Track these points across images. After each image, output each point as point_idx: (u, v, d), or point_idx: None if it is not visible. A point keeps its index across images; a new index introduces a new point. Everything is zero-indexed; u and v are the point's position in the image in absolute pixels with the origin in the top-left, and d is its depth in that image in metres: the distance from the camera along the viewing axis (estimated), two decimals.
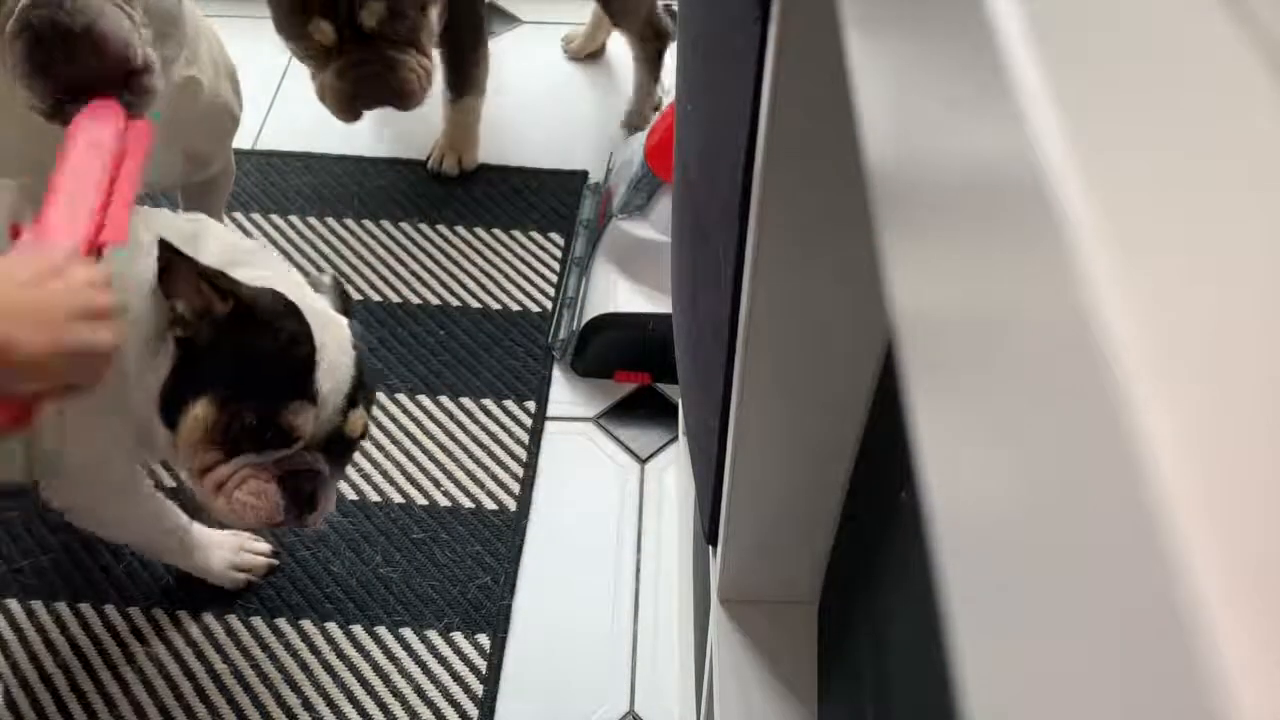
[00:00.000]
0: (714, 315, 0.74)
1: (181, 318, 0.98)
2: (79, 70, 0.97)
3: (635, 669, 1.27)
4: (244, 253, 1.07)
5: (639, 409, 1.51)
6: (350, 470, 1.40)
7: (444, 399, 1.49)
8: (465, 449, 1.44)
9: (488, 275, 1.64)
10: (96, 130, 0.95)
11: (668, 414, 1.50)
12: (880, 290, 0.32)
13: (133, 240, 0.96)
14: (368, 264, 1.64)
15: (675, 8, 1.74)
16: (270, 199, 1.73)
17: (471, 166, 1.75)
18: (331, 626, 1.27)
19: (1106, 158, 0.18)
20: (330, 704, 1.21)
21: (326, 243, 1.67)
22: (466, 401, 1.48)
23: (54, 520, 1.33)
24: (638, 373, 1.52)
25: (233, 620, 1.27)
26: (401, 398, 1.48)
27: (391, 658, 1.25)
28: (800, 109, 0.54)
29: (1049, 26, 0.20)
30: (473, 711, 1.21)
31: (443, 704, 1.22)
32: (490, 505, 1.38)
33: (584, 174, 1.78)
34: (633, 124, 1.81)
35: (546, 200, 1.74)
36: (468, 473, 1.41)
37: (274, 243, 1.67)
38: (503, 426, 1.46)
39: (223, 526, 1.24)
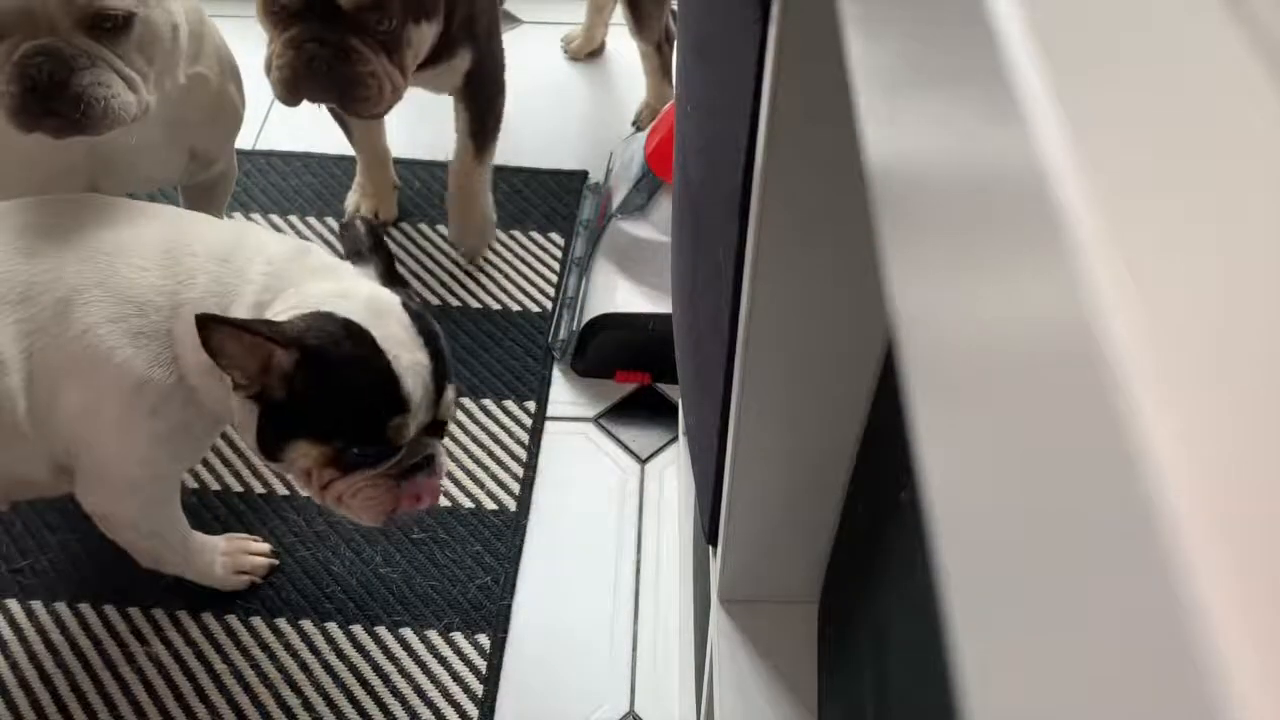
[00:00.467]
0: (714, 315, 0.74)
1: (237, 384, 0.97)
2: (62, 122, 1.03)
3: (635, 669, 1.27)
4: (282, 269, 1.04)
5: (639, 409, 1.51)
6: None
7: None
8: (465, 449, 1.44)
9: (488, 275, 1.64)
10: None
11: (668, 414, 1.50)
12: (880, 290, 0.32)
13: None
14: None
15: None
16: (270, 199, 1.73)
17: (491, 240, 1.65)
18: (331, 626, 1.27)
19: (1107, 158, 0.18)
20: (330, 704, 1.21)
21: (327, 243, 1.67)
22: (466, 401, 1.48)
23: (54, 520, 1.33)
24: (638, 373, 1.52)
25: (233, 620, 1.27)
26: None
27: (391, 658, 1.25)
28: (800, 109, 0.54)
29: (1050, 28, 0.20)
30: (473, 711, 1.21)
31: (443, 704, 1.22)
32: (490, 505, 1.38)
33: (584, 174, 1.78)
34: (645, 123, 1.81)
35: (546, 200, 1.74)
36: (468, 473, 1.41)
37: None
38: (503, 426, 1.46)
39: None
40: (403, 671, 1.24)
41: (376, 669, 1.24)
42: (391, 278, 1.10)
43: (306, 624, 1.27)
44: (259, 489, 1.39)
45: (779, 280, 0.63)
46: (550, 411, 1.50)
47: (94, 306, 0.99)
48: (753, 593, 0.86)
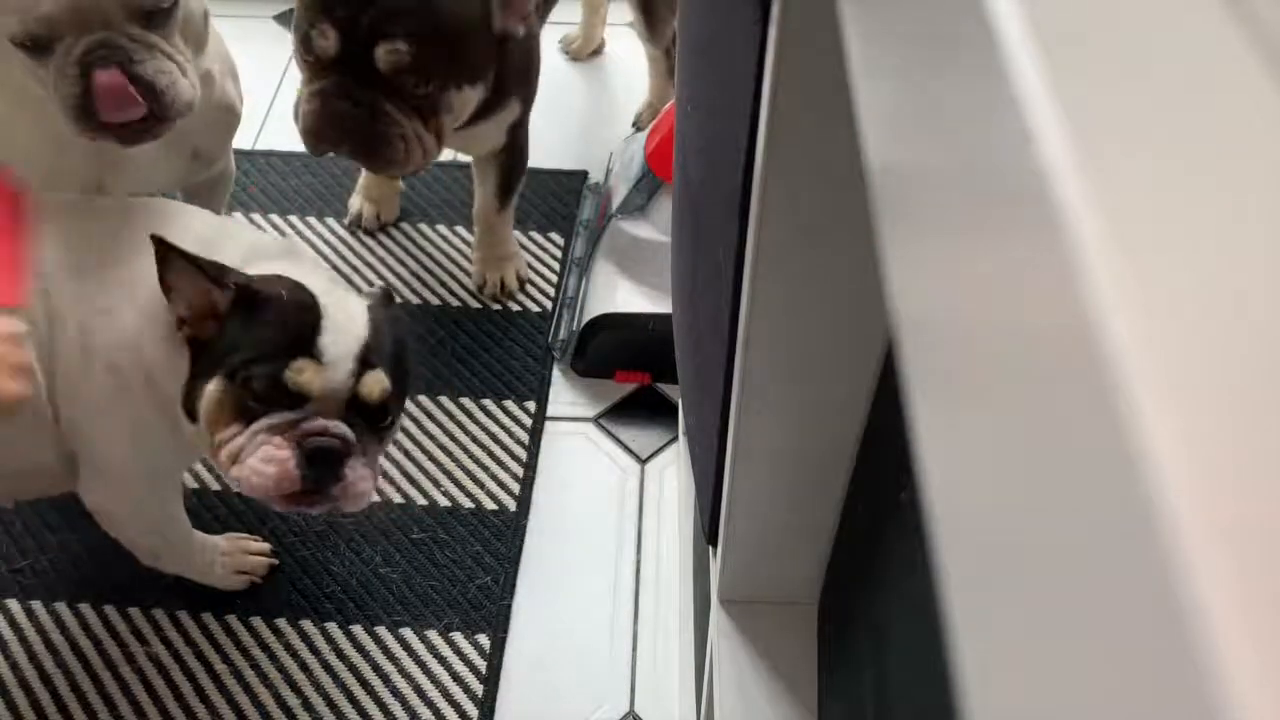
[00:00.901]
0: (714, 315, 0.74)
1: (184, 319, 0.98)
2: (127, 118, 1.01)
3: (635, 669, 1.27)
4: (264, 250, 1.06)
5: (639, 409, 1.51)
6: None
7: (444, 399, 1.49)
8: (465, 449, 1.44)
9: None
10: None
11: (668, 414, 1.50)
12: (880, 290, 0.32)
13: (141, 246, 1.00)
14: (368, 264, 1.64)
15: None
16: (270, 199, 1.73)
17: (514, 286, 1.61)
18: (331, 626, 1.27)
19: (1107, 158, 0.18)
20: (330, 704, 1.21)
21: (326, 243, 1.67)
22: (466, 401, 1.48)
23: (54, 520, 1.34)
24: (638, 373, 1.52)
25: (232, 620, 1.27)
26: None
27: (391, 658, 1.25)
28: (800, 109, 0.54)
29: (1049, 28, 0.20)
30: (473, 711, 1.21)
31: (443, 704, 1.22)
32: (490, 505, 1.38)
33: (584, 174, 1.78)
34: (645, 123, 1.81)
35: (546, 200, 1.74)
36: (468, 473, 1.41)
37: None
38: (503, 426, 1.46)
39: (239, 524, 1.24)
40: (403, 671, 1.24)
41: (376, 669, 1.24)
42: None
43: (306, 624, 1.27)
44: None
45: (779, 280, 0.63)
46: (550, 411, 1.50)
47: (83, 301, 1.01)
48: (753, 593, 0.86)
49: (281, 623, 1.27)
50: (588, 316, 1.49)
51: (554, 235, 1.69)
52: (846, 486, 0.77)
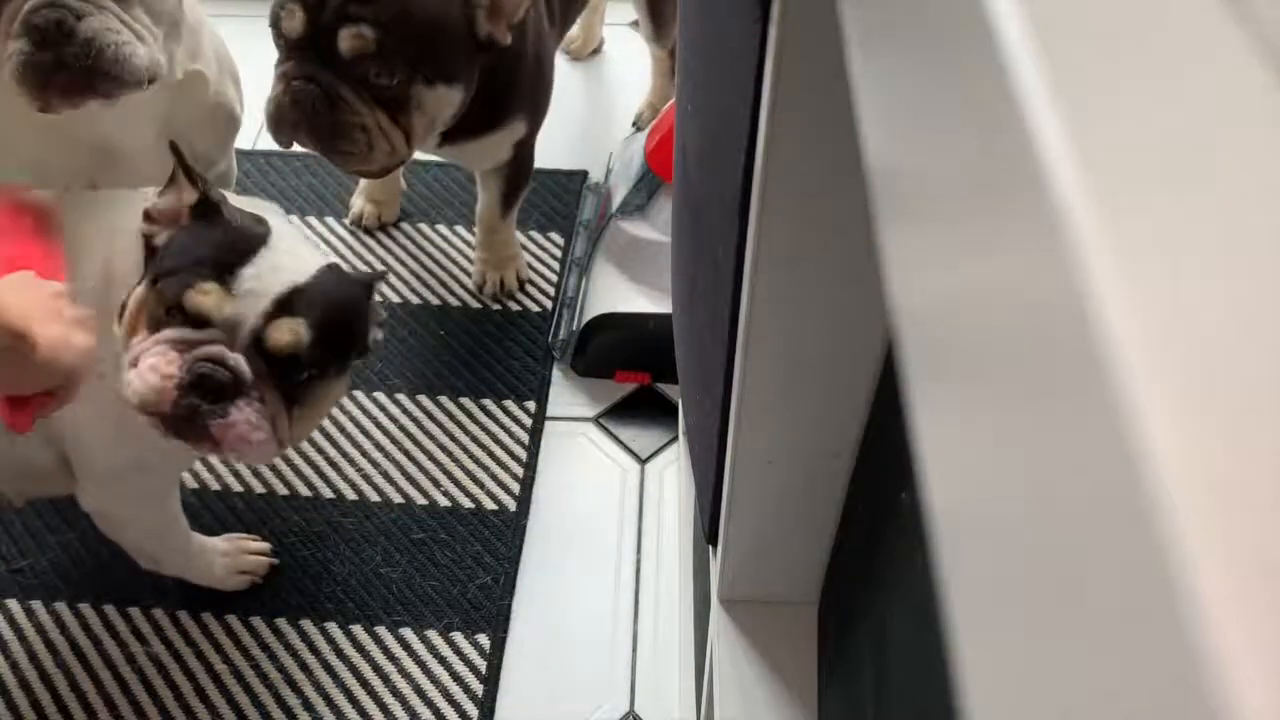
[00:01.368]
0: (714, 315, 0.74)
1: (150, 214, 0.98)
2: (74, 78, 0.99)
3: (635, 669, 1.27)
4: (247, 206, 1.05)
5: (639, 409, 1.51)
6: (350, 470, 1.40)
7: (444, 399, 1.49)
8: (465, 449, 1.44)
9: None
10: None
11: (668, 414, 1.50)
12: (880, 290, 0.32)
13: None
14: (368, 264, 1.64)
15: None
16: (271, 199, 1.73)
17: (514, 286, 1.61)
18: (331, 626, 1.27)
19: (1107, 158, 0.18)
20: (330, 704, 1.21)
21: (326, 243, 1.67)
22: (466, 401, 1.48)
23: (54, 520, 1.34)
24: (638, 373, 1.52)
25: (232, 620, 1.27)
26: (401, 398, 1.48)
27: (391, 658, 1.25)
28: (800, 109, 0.54)
29: (1049, 26, 0.20)
30: (473, 711, 1.21)
31: (443, 704, 1.22)
32: (490, 505, 1.38)
33: (584, 174, 1.78)
34: (645, 123, 1.81)
35: (546, 200, 1.74)
36: (468, 473, 1.41)
37: None
38: (503, 426, 1.46)
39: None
40: (403, 671, 1.24)
41: (376, 669, 1.24)
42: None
43: (306, 624, 1.27)
44: (259, 489, 1.39)
45: (779, 280, 0.63)
46: (550, 411, 1.50)
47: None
48: (753, 593, 0.86)
49: (281, 623, 1.27)
50: (588, 316, 1.49)
51: (554, 235, 1.69)
52: (846, 486, 0.77)
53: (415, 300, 1.60)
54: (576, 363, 1.52)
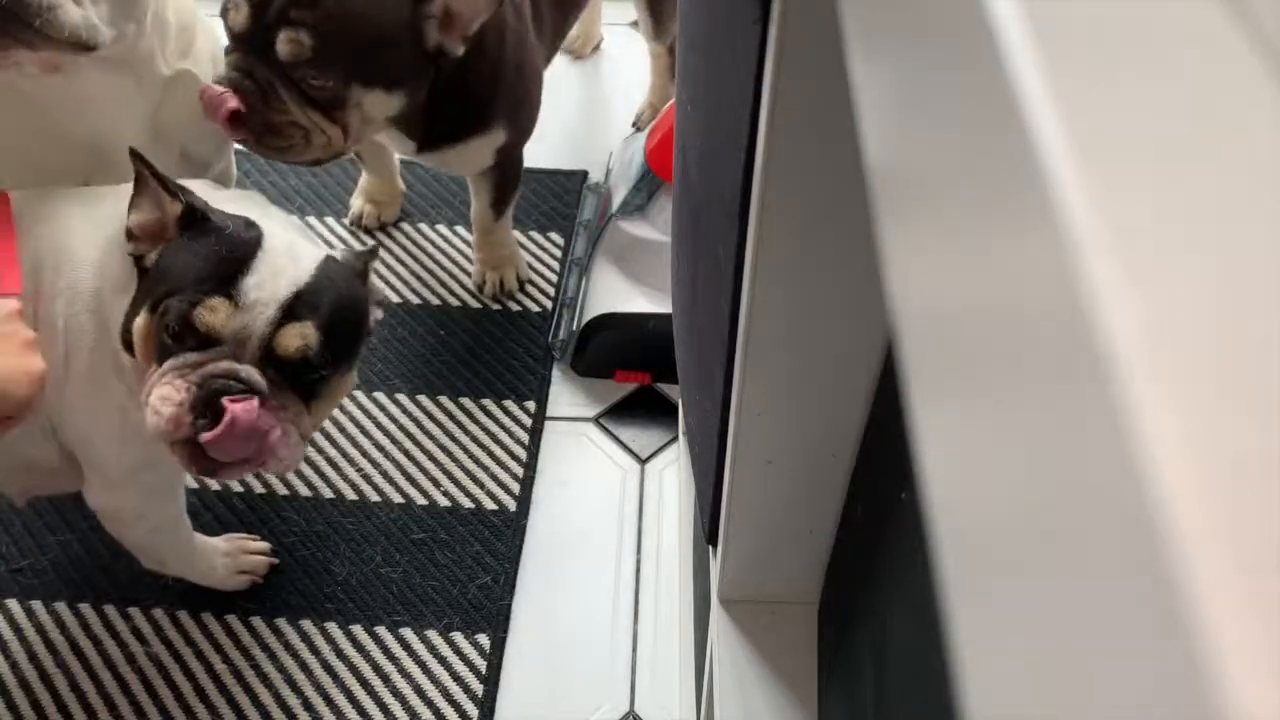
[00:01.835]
0: (714, 315, 0.74)
1: (132, 232, 0.96)
2: None
3: (635, 669, 1.27)
4: (229, 198, 1.04)
5: (639, 409, 1.51)
6: (350, 470, 1.40)
7: (444, 399, 1.49)
8: (465, 449, 1.44)
9: None
10: None
11: (668, 414, 1.50)
12: (880, 290, 0.32)
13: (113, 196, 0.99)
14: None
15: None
16: (270, 199, 1.73)
17: (514, 285, 1.62)
18: (331, 626, 1.27)
19: (1106, 157, 0.18)
20: (330, 704, 1.21)
21: (327, 243, 1.67)
22: (466, 401, 1.48)
23: (54, 520, 1.34)
24: (638, 373, 1.52)
25: (233, 620, 1.27)
26: (401, 398, 1.48)
27: (391, 658, 1.25)
28: (800, 109, 0.54)
29: (1049, 27, 0.20)
30: (473, 711, 1.21)
31: (443, 704, 1.22)
32: (490, 505, 1.38)
33: (584, 174, 1.78)
34: (645, 123, 1.81)
35: (546, 200, 1.74)
36: (468, 473, 1.41)
37: None
38: (503, 426, 1.46)
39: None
40: (403, 671, 1.24)
41: (376, 669, 1.24)
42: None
43: (306, 624, 1.27)
44: (259, 489, 1.39)
45: (779, 280, 0.63)
46: (550, 411, 1.50)
47: (64, 298, 1.00)
48: (753, 593, 0.86)
49: (281, 623, 1.27)
50: (588, 316, 1.49)
51: (554, 235, 1.69)
52: (846, 486, 0.77)
53: (415, 300, 1.60)
54: (576, 363, 1.52)
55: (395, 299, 1.60)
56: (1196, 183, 0.17)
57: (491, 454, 1.43)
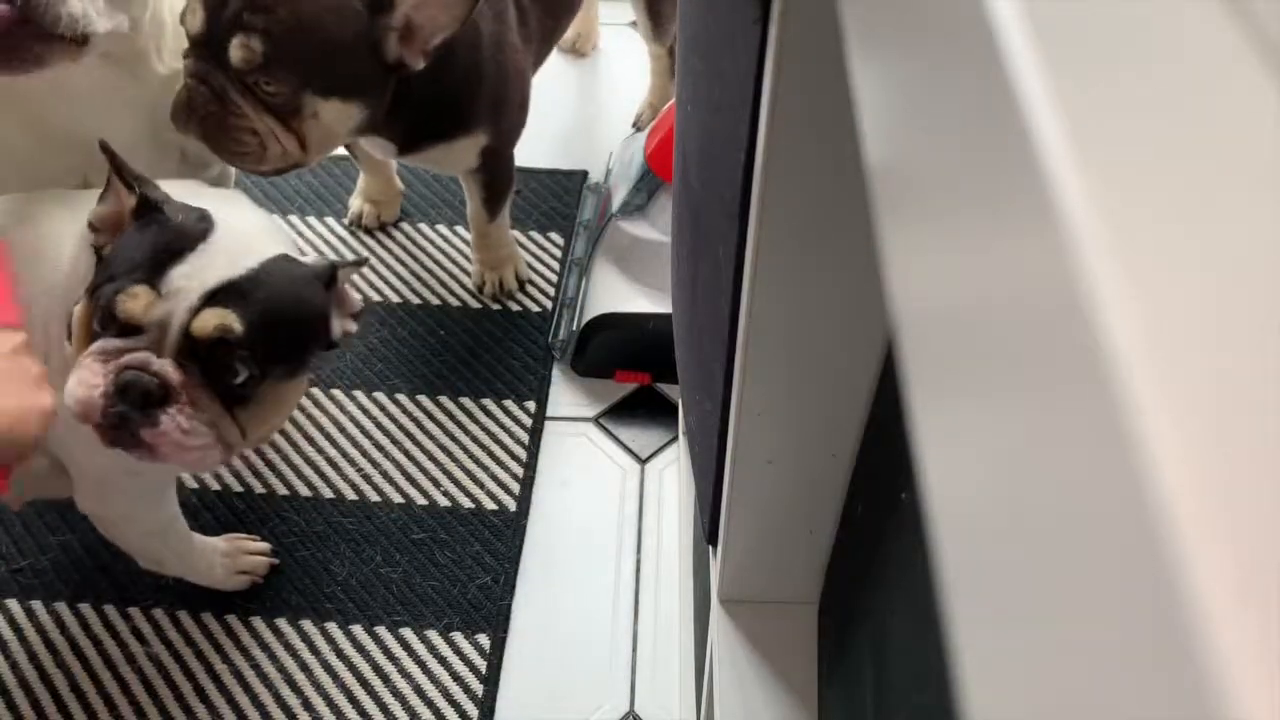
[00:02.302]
0: (714, 315, 0.74)
1: (94, 224, 0.95)
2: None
3: (635, 669, 1.27)
4: (206, 195, 1.02)
5: (639, 409, 1.51)
6: (350, 470, 1.40)
7: (444, 399, 1.49)
8: (465, 449, 1.44)
9: None
10: None
11: (668, 414, 1.50)
12: (880, 290, 0.32)
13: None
14: (368, 264, 1.64)
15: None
16: (270, 199, 1.73)
17: (513, 285, 1.62)
18: (331, 626, 1.27)
19: (1106, 156, 0.18)
20: (330, 704, 1.21)
21: (326, 243, 1.68)
22: (466, 401, 1.48)
23: (54, 520, 1.34)
24: (638, 373, 1.52)
25: (233, 620, 1.27)
26: (401, 398, 1.48)
27: (391, 658, 1.25)
28: (800, 109, 0.54)
29: (1049, 26, 0.20)
30: (473, 711, 1.21)
31: (443, 704, 1.22)
32: (490, 505, 1.38)
33: (584, 174, 1.78)
34: (645, 123, 1.81)
35: (546, 200, 1.74)
36: (468, 473, 1.41)
37: None
38: (503, 426, 1.46)
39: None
40: (403, 671, 1.24)
41: (376, 669, 1.24)
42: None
43: (306, 624, 1.27)
44: (259, 489, 1.39)
45: (779, 280, 0.63)
46: (550, 411, 1.50)
47: (45, 299, 0.99)
48: (753, 593, 0.86)
49: (281, 623, 1.27)
50: (588, 316, 1.49)
51: (554, 235, 1.69)
52: (846, 486, 0.77)
53: (415, 300, 1.60)
54: (576, 363, 1.52)
55: (395, 299, 1.60)
56: (1197, 182, 0.17)
57: (491, 454, 1.43)
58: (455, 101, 1.32)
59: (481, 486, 1.40)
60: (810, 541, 0.81)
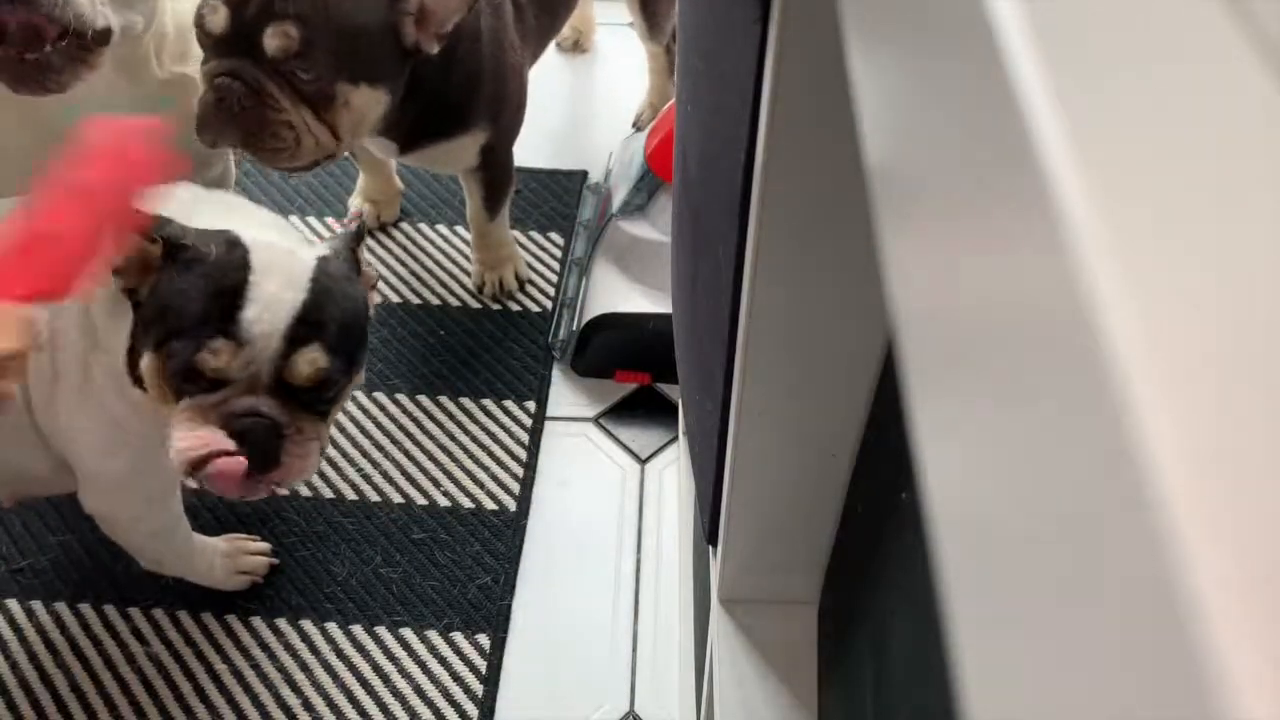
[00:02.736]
0: (714, 315, 0.74)
1: (119, 269, 0.94)
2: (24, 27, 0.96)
3: (635, 669, 1.27)
4: (205, 202, 1.02)
5: (639, 409, 1.51)
6: (350, 470, 1.40)
7: (444, 399, 1.49)
8: (465, 449, 1.44)
9: None
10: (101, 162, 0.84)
11: (668, 414, 1.50)
12: (880, 290, 0.32)
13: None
14: (367, 264, 1.64)
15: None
16: (270, 199, 1.73)
17: (513, 285, 1.62)
18: (331, 626, 1.27)
19: (1106, 155, 0.18)
20: (330, 704, 1.21)
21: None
22: (466, 401, 1.48)
23: (54, 520, 1.34)
24: (638, 373, 1.52)
25: (233, 620, 1.27)
26: (401, 398, 1.48)
27: (391, 658, 1.25)
28: (800, 109, 0.54)
29: (1049, 26, 0.20)
30: (473, 711, 1.21)
31: (443, 704, 1.22)
32: (490, 505, 1.38)
33: (584, 174, 1.78)
34: (645, 123, 1.81)
35: (546, 200, 1.74)
36: (468, 473, 1.41)
37: None
38: (503, 426, 1.46)
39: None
40: (403, 671, 1.24)
41: (376, 669, 1.24)
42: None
43: (306, 624, 1.27)
44: None
45: (779, 280, 0.63)
46: (550, 411, 1.50)
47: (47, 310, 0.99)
48: (753, 593, 0.86)
49: (281, 623, 1.27)
50: (588, 316, 1.49)
51: (554, 235, 1.69)
52: (846, 486, 0.77)
53: (415, 300, 1.60)
54: (576, 363, 1.52)
55: (395, 299, 1.60)
56: (1197, 182, 0.17)
57: (491, 454, 1.43)
58: (456, 99, 1.33)
59: (481, 486, 1.40)
60: (810, 542, 0.81)
